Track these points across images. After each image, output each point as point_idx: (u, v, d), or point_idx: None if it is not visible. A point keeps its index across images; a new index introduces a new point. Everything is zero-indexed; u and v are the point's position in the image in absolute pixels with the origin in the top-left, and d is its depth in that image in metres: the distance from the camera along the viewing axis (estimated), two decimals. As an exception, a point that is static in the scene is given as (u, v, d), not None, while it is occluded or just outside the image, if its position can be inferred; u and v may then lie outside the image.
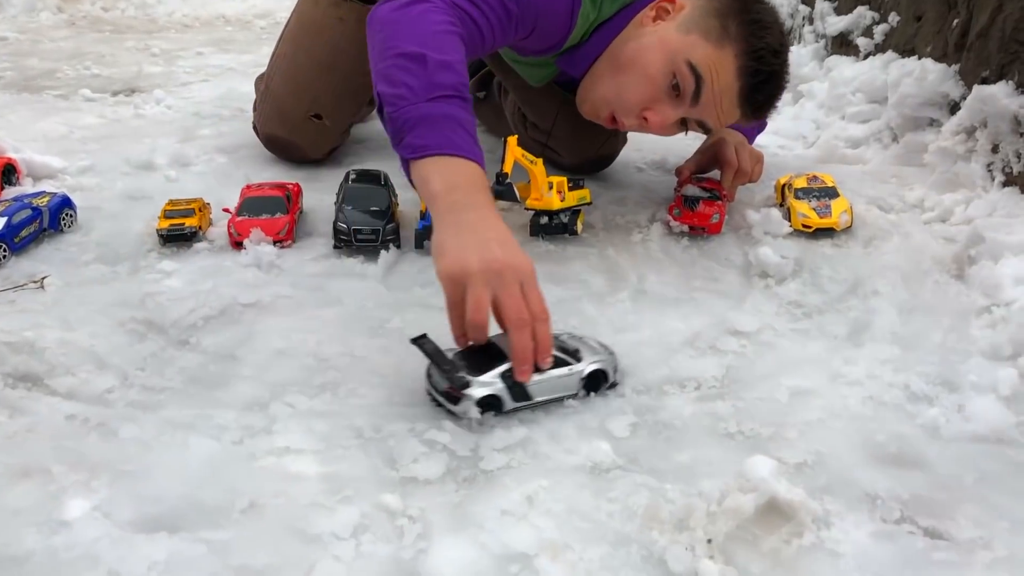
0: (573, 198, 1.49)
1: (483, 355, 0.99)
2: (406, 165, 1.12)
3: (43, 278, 1.30)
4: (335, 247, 1.41)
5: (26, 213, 1.41)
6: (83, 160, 1.79)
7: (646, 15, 1.40)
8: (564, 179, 1.48)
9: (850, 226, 1.51)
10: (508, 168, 1.41)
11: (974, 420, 0.99)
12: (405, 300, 1.27)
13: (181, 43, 3.04)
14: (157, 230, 1.42)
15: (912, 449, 0.95)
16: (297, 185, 1.57)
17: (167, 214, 1.44)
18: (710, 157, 1.62)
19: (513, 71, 1.74)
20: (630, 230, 1.53)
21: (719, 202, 1.51)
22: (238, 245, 1.40)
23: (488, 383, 0.97)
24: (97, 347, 1.13)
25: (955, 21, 1.74)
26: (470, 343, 1.00)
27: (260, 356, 1.11)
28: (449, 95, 1.10)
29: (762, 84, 1.37)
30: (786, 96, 2.28)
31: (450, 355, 1.01)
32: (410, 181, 1.13)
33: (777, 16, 1.42)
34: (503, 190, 1.42)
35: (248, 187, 1.53)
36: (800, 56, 2.31)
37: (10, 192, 1.58)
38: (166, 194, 1.58)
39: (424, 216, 1.43)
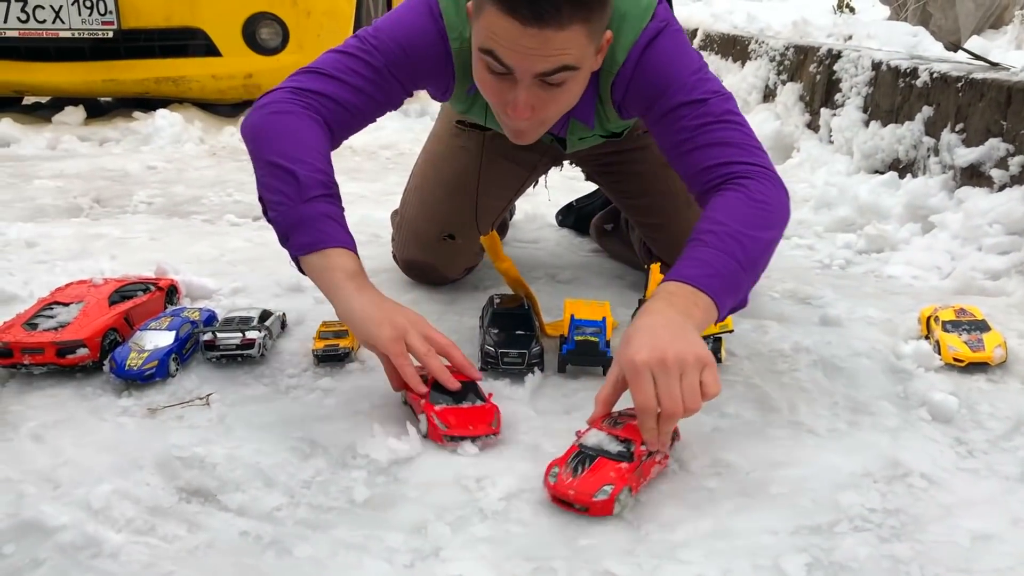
0: (715, 327, 1.49)
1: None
2: (296, 260, 1.33)
3: (208, 395, 1.36)
4: (481, 369, 1.44)
5: (187, 327, 1.49)
6: (235, 282, 1.88)
7: None
8: (705, 308, 1.49)
9: (1005, 361, 1.46)
10: (649, 294, 1.44)
11: None
12: (553, 424, 1.28)
13: (313, 171, 3.22)
14: (312, 350, 1.48)
15: (1118, 603, 0.90)
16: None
17: (322, 335, 1.50)
18: (623, 385, 1.13)
19: (636, 205, 1.80)
20: (774, 359, 1.51)
21: (627, 464, 1.05)
22: (390, 366, 1.44)
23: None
24: (263, 464, 1.16)
25: (1101, 154, 1.72)
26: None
27: (424, 477, 1.13)
28: (317, 195, 1.29)
29: None
30: (915, 227, 2.29)
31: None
32: (300, 271, 1.34)
33: None
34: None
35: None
36: (928, 187, 2.30)
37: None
38: (316, 315, 1.65)
39: (567, 340, 1.45)
